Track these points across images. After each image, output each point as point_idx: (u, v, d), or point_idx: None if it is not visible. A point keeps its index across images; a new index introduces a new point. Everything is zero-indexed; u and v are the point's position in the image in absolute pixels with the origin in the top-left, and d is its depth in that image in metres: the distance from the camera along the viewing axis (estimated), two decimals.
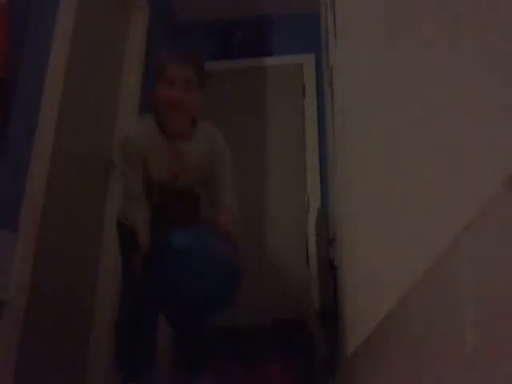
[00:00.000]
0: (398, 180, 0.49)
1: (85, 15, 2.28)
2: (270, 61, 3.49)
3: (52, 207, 1.93)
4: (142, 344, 1.56)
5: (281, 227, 3.06)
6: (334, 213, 2.22)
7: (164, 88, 1.53)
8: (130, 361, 1.57)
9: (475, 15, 0.27)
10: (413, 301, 0.41)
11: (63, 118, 2.04)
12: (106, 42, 2.52)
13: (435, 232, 0.35)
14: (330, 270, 1.89)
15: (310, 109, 3.31)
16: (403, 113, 0.47)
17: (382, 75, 0.60)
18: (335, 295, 1.84)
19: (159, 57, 1.62)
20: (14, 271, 1.59)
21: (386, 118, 0.57)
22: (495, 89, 0.24)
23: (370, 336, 0.70)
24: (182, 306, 1.48)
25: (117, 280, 2.37)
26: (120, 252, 1.64)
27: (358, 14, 0.91)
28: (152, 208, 1.54)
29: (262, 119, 3.36)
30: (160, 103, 1.54)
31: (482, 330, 0.25)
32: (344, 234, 1.39)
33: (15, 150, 1.66)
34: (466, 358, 0.27)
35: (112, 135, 2.56)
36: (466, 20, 0.29)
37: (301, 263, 2.96)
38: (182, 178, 1.62)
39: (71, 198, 2.11)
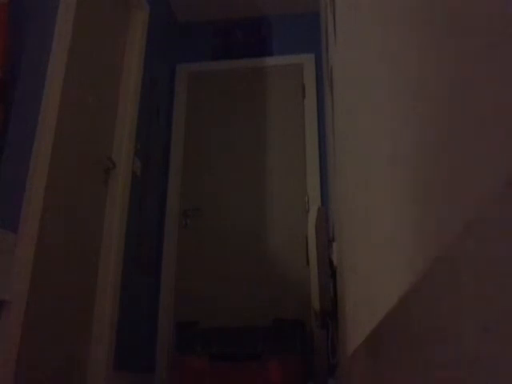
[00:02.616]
0: (398, 179, 0.49)
1: (85, 15, 2.28)
2: (270, 61, 3.49)
3: (52, 207, 1.93)
4: None
5: (281, 227, 3.07)
6: (334, 213, 2.22)
7: None
8: None
9: (475, 14, 0.27)
10: (413, 301, 0.41)
11: (63, 118, 2.05)
12: (106, 41, 2.52)
13: (435, 232, 0.35)
14: (329, 270, 1.89)
15: (309, 109, 3.31)
16: (403, 112, 0.47)
17: (381, 75, 0.60)
18: (335, 295, 1.84)
19: None
20: (14, 271, 1.59)
21: (385, 118, 0.57)
22: (496, 87, 0.24)
23: (370, 336, 0.70)
24: None
25: (116, 279, 2.37)
26: None
27: (358, 13, 0.91)
28: None
29: (262, 119, 3.36)
30: None
31: (482, 330, 0.25)
32: (344, 233, 1.39)
33: (15, 149, 1.66)
34: (466, 359, 0.27)
35: (112, 135, 2.56)
36: (466, 19, 0.29)
37: (301, 263, 2.96)
38: None
39: (71, 198, 2.11)
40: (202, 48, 3.63)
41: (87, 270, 2.22)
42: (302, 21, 3.56)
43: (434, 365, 0.35)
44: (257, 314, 2.88)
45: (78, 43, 2.20)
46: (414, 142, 0.42)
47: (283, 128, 3.32)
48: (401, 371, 0.47)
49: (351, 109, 1.06)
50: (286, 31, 3.56)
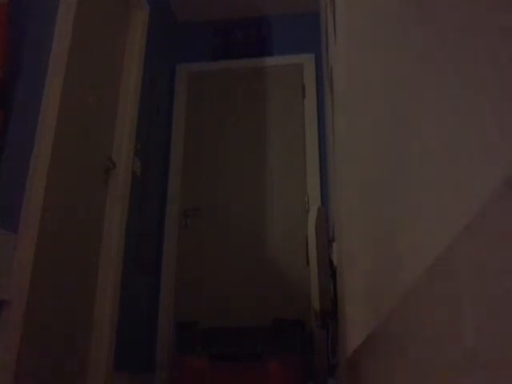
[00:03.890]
0: (398, 180, 0.49)
1: (85, 15, 2.28)
2: (269, 61, 3.49)
3: (52, 208, 1.93)
4: None
5: (281, 227, 3.06)
6: (334, 213, 2.22)
7: None
8: None
9: (475, 16, 0.27)
10: (413, 301, 0.41)
11: (63, 118, 2.05)
12: (106, 41, 2.52)
13: (435, 232, 0.35)
14: (329, 270, 1.89)
15: (309, 109, 3.31)
16: (403, 112, 0.47)
17: (382, 75, 0.60)
18: (335, 295, 1.84)
19: None
20: (14, 271, 1.59)
21: (386, 118, 0.57)
22: (495, 87, 0.24)
23: (370, 336, 0.70)
24: None
25: (116, 279, 2.37)
26: None
27: (357, 13, 0.91)
28: None
29: (262, 119, 3.36)
30: None
31: (482, 329, 0.25)
32: (344, 233, 1.39)
33: (15, 149, 1.66)
34: (466, 358, 0.27)
35: (112, 135, 2.56)
36: (466, 21, 0.29)
37: (301, 263, 2.96)
38: None
39: (71, 199, 2.11)
40: (202, 48, 3.63)
41: (87, 270, 2.22)
42: (302, 21, 3.56)
43: (433, 365, 0.35)
44: (257, 314, 2.88)
45: (78, 43, 2.20)
46: (414, 142, 0.42)
47: (283, 128, 3.32)
48: (400, 371, 0.47)
49: (351, 109, 1.06)
50: (285, 31, 3.56)
